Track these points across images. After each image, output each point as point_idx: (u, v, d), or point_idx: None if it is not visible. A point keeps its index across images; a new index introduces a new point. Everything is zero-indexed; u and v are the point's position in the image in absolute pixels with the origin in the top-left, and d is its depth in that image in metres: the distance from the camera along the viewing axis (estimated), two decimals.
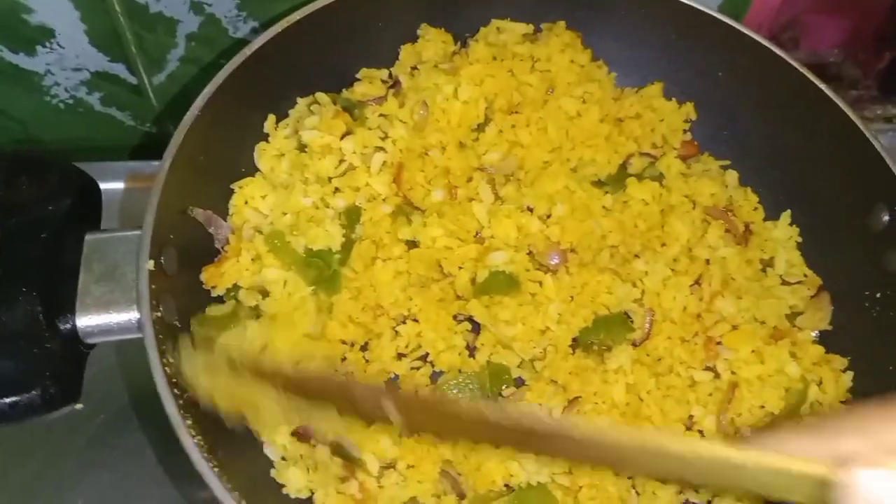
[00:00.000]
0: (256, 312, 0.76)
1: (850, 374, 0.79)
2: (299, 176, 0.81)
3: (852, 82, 1.23)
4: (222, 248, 0.79)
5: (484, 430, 0.58)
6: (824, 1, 1.15)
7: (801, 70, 0.85)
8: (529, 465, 0.73)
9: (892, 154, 0.80)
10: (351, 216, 0.80)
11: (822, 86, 0.84)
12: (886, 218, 0.79)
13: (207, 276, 0.76)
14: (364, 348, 0.78)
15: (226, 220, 0.80)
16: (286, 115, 0.86)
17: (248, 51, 0.78)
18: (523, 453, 0.71)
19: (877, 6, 1.15)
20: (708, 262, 0.83)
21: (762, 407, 0.78)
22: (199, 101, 0.74)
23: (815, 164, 0.87)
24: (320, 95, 0.85)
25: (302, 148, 0.82)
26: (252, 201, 0.80)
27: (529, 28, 0.93)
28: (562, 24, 0.92)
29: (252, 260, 0.77)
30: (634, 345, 0.79)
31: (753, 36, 0.88)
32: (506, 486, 0.74)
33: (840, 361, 0.80)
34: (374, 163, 0.82)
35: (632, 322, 0.80)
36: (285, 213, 0.80)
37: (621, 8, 0.92)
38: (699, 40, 0.91)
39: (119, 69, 0.99)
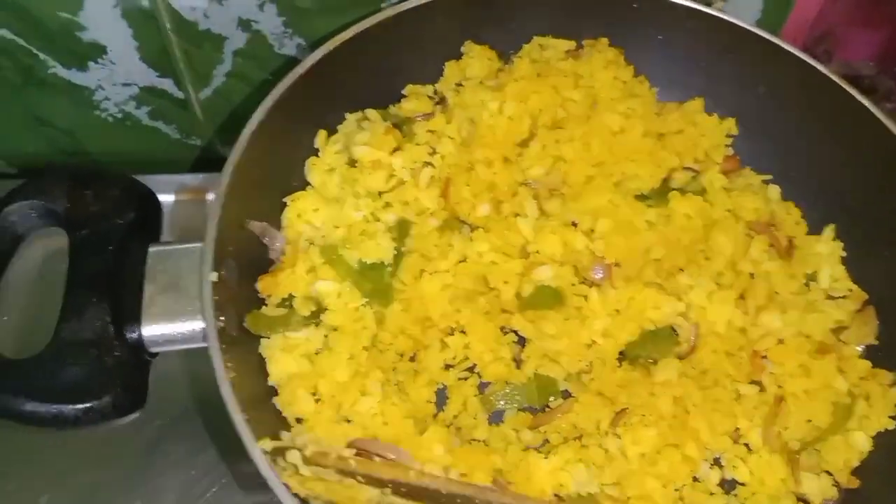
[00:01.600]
0: (310, 321, 0.77)
1: None
2: (350, 190, 0.83)
3: (886, 94, 1.23)
4: (277, 258, 0.80)
5: None
6: (857, 14, 1.16)
7: (840, 83, 0.87)
8: (580, 475, 0.74)
9: None
10: (401, 230, 0.82)
11: (862, 98, 0.85)
12: None
13: (263, 285, 0.77)
14: (412, 359, 0.80)
15: (279, 232, 0.82)
16: (335, 131, 0.88)
17: (300, 69, 0.80)
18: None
19: None
20: (752, 276, 0.83)
21: (809, 421, 0.78)
22: (256, 117, 0.76)
23: (856, 178, 0.88)
24: (370, 112, 0.87)
25: (352, 163, 0.84)
26: (304, 214, 0.82)
27: (571, 44, 0.94)
28: (604, 41, 0.93)
29: (307, 271, 0.79)
30: (680, 358, 0.80)
31: (792, 50, 0.89)
32: (556, 495, 0.74)
33: (887, 376, 0.80)
34: (423, 178, 0.83)
35: (677, 336, 0.81)
36: (337, 227, 0.81)
37: (661, 24, 0.93)
38: (738, 55, 0.92)
39: (167, 84, 1.01)
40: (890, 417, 0.78)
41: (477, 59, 0.91)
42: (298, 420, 0.72)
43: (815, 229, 0.89)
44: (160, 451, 0.83)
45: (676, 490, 0.75)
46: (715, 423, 0.77)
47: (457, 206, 0.84)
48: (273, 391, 0.74)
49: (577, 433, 0.77)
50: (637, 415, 0.76)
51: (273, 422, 0.71)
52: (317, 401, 0.73)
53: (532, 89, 0.88)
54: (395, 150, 0.83)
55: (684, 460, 0.75)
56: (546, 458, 0.74)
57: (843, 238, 0.88)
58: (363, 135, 0.84)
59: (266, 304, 0.77)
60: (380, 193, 0.83)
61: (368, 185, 0.82)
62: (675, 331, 0.82)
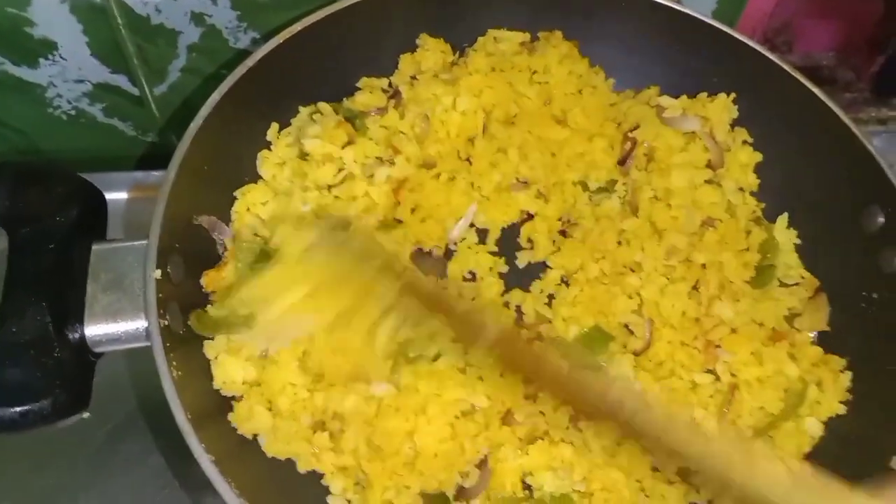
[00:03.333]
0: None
1: (849, 374, 0.80)
2: (299, 183, 0.82)
3: (846, 85, 1.24)
4: (223, 253, 0.80)
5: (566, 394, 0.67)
6: (816, 5, 1.16)
7: (794, 74, 0.87)
8: (549, 482, 0.75)
9: (885, 156, 0.81)
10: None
11: (815, 89, 0.86)
12: (881, 219, 0.81)
13: (208, 280, 0.76)
14: None
15: (228, 227, 0.81)
16: (288, 124, 0.87)
17: (250, 62, 0.80)
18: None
19: (868, 10, 1.16)
20: (704, 266, 0.84)
21: (762, 408, 0.79)
22: (203, 112, 0.76)
23: (810, 167, 0.88)
24: (323, 105, 0.86)
25: (303, 156, 0.83)
26: (253, 207, 0.81)
27: (526, 37, 0.94)
28: (559, 33, 0.93)
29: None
30: (636, 354, 0.80)
31: (746, 41, 0.89)
32: (526, 487, 0.75)
33: (838, 362, 0.80)
34: (379, 175, 0.83)
35: (611, 337, 0.81)
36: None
37: (616, 15, 0.93)
38: (694, 46, 0.92)
39: (121, 80, 0.99)
40: (841, 403, 0.79)
41: (431, 51, 0.91)
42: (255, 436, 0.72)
43: (770, 218, 0.90)
44: (112, 453, 0.82)
45: (638, 481, 0.76)
46: (673, 414, 0.77)
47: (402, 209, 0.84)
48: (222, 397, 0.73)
49: (542, 432, 0.77)
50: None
51: (221, 423, 0.70)
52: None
53: (486, 84, 0.88)
54: (347, 144, 0.83)
55: (644, 451, 0.75)
56: (515, 456, 0.74)
57: (796, 226, 0.89)
58: (314, 128, 0.83)
59: (212, 303, 0.76)
60: (329, 188, 0.82)
61: (318, 178, 0.81)
62: (629, 328, 0.82)
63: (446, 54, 0.92)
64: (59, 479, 0.81)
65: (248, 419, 0.72)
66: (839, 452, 0.77)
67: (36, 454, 0.82)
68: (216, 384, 0.72)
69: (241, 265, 0.76)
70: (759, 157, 0.91)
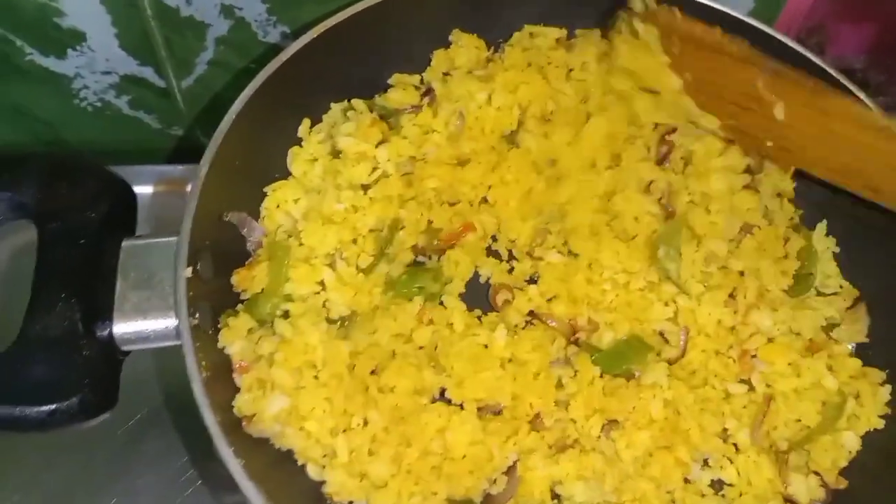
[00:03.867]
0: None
1: (888, 387, 0.78)
2: (332, 181, 0.81)
3: (878, 88, 1.21)
4: (254, 251, 0.78)
5: None
6: (849, 8, 1.15)
7: (835, 74, 0.86)
8: (579, 491, 0.73)
9: None
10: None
11: (855, 89, 0.84)
12: None
13: (239, 279, 0.75)
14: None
15: (258, 224, 0.80)
16: (320, 120, 0.86)
17: (283, 56, 0.79)
18: None
19: None
20: (742, 274, 0.82)
21: (798, 420, 0.77)
22: (236, 106, 0.75)
23: None
24: (356, 102, 0.85)
25: (335, 153, 0.82)
26: (284, 205, 0.80)
27: (563, 33, 0.92)
28: (597, 31, 0.91)
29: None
30: (670, 363, 0.78)
31: (785, 40, 0.88)
32: (555, 497, 0.74)
33: (878, 374, 0.79)
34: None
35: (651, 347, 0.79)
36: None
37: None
38: None
39: (148, 73, 0.99)
40: (879, 417, 0.77)
41: (465, 47, 0.90)
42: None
43: (808, 225, 0.88)
44: (136, 451, 0.82)
45: (668, 492, 0.74)
46: (705, 424, 0.76)
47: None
48: None
49: (572, 441, 0.76)
50: (629, 420, 0.75)
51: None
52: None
53: (522, 80, 0.87)
54: (381, 142, 0.81)
55: (676, 463, 0.74)
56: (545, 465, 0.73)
57: (834, 234, 0.87)
58: (348, 125, 0.82)
59: (241, 302, 0.75)
60: (363, 187, 0.81)
61: (351, 177, 0.80)
62: (663, 336, 0.80)
63: (480, 50, 0.90)
64: (74, 476, 0.81)
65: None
66: (876, 467, 0.76)
67: (53, 449, 0.81)
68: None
69: (274, 264, 0.75)
70: None
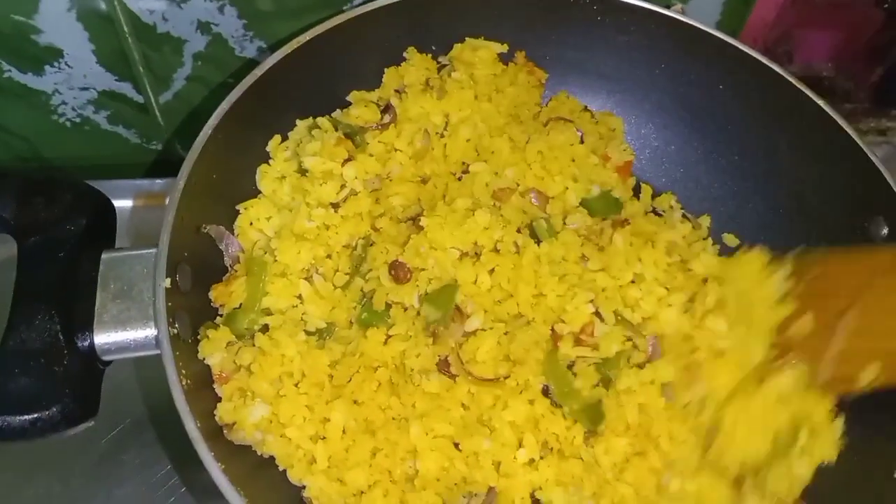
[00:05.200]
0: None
1: (842, 418, 0.77)
2: (302, 199, 0.81)
3: (845, 95, 1.25)
4: (231, 266, 0.79)
5: None
6: (816, 16, 1.17)
7: (798, 85, 0.87)
8: (558, 498, 0.74)
9: (887, 166, 0.81)
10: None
11: (819, 101, 0.86)
12: (885, 231, 0.81)
13: (216, 294, 0.76)
14: None
15: (236, 238, 0.81)
16: (286, 137, 0.87)
17: (258, 71, 0.80)
18: None
19: (867, 21, 1.17)
20: (705, 281, 0.82)
21: (748, 449, 0.77)
22: (213, 121, 0.76)
23: (812, 179, 0.88)
24: (321, 121, 0.85)
25: (303, 171, 0.83)
26: (257, 223, 0.81)
27: (504, 48, 0.94)
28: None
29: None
30: (640, 367, 0.79)
31: (750, 52, 0.90)
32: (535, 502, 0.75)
33: (830, 404, 0.77)
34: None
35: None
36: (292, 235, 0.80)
37: (621, 26, 0.93)
38: (698, 57, 0.93)
39: (126, 88, 1.00)
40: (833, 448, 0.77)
41: (416, 66, 0.91)
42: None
43: (772, 227, 0.91)
44: (117, 461, 0.82)
45: (646, 497, 0.75)
46: (674, 432, 0.76)
47: None
48: None
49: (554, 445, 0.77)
50: (608, 426, 0.76)
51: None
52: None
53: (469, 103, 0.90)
54: (347, 160, 0.82)
55: (650, 470, 0.75)
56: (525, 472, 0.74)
57: (796, 238, 0.86)
58: (313, 144, 0.82)
59: (220, 314, 0.76)
60: (334, 206, 0.81)
61: (320, 196, 0.80)
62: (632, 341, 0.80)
63: (430, 71, 0.92)
64: (54, 487, 0.81)
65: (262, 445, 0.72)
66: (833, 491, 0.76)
67: (31, 461, 0.82)
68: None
69: (251, 279, 0.76)
70: None
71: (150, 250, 0.68)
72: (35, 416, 0.61)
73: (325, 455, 0.71)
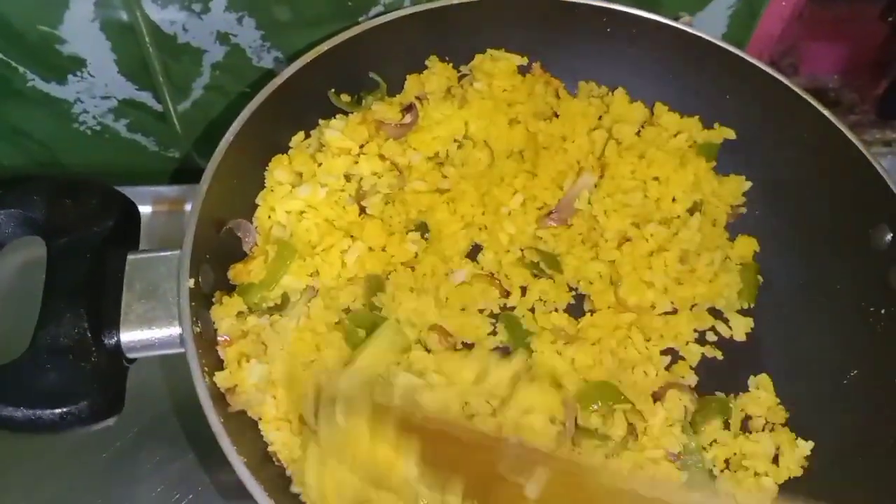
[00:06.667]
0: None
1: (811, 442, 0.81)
2: (312, 177, 0.85)
3: (850, 107, 1.26)
4: (250, 250, 0.82)
5: None
6: (821, 28, 1.19)
7: (804, 95, 0.89)
8: None
9: (892, 176, 0.83)
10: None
11: (824, 110, 0.88)
12: (889, 237, 0.82)
13: (235, 272, 0.78)
14: None
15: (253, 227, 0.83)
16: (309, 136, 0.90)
17: (279, 80, 0.82)
18: None
19: (872, 34, 1.18)
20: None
21: None
22: (234, 128, 0.78)
23: (818, 188, 0.90)
24: (352, 115, 0.89)
25: (320, 148, 0.86)
26: (274, 215, 0.83)
27: (523, 60, 0.97)
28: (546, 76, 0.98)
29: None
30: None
31: (756, 63, 0.92)
32: None
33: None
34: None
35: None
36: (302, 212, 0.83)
37: (630, 37, 0.95)
38: (704, 68, 0.95)
39: (146, 97, 1.02)
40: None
41: (438, 75, 0.94)
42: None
43: (776, 236, 0.93)
44: (137, 459, 0.83)
45: None
46: None
47: None
48: None
49: None
50: None
51: (253, 428, 0.72)
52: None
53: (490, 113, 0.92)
54: (361, 152, 0.85)
55: None
56: None
57: (801, 245, 0.91)
58: (337, 121, 0.86)
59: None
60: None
61: (331, 167, 0.84)
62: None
63: (451, 80, 0.95)
64: (77, 483, 0.82)
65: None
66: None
67: (56, 456, 0.83)
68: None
69: (270, 259, 0.79)
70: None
71: (175, 252, 0.71)
72: (64, 410, 0.63)
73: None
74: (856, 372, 0.82)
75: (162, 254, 0.72)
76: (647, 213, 0.91)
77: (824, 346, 0.86)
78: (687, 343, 0.86)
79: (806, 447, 0.80)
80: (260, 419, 0.72)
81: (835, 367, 0.84)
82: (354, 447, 0.65)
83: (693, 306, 0.88)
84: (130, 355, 0.68)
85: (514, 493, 0.63)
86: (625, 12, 0.92)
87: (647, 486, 0.64)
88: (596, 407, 0.79)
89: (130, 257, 0.71)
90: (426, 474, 0.64)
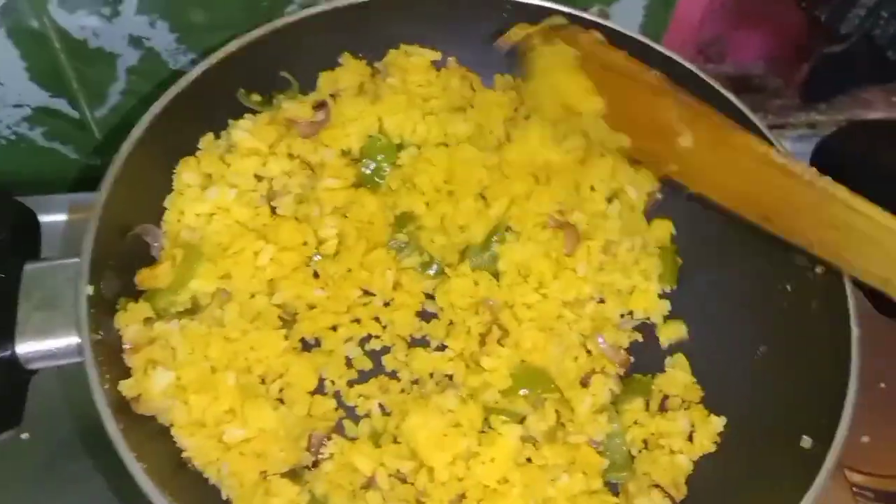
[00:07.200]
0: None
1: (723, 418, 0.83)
2: (221, 178, 0.83)
3: (776, 92, 1.29)
4: (158, 255, 0.80)
5: None
6: (745, 18, 1.21)
7: (714, 85, 0.90)
8: None
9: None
10: None
11: (729, 94, 0.89)
12: None
13: (141, 278, 0.77)
14: None
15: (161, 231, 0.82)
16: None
17: (183, 81, 0.81)
18: None
19: (793, 22, 1.20)
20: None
21: None
22: (135, 133, 0.77)
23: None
24: (259, 115, 0.88)
25: (229, 149, 0.85)
26: (184, 218, 0.82)
27: (437, 55, 0.96)
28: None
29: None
30: None
31: (671, 55, 0.92)
32: None
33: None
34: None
35: None
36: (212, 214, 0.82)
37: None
38: None
39: (61, 104, 1.00)
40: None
41: (350, 71, 0.93)
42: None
43: (688, 216, 0.93)
44: (52, 474, 0.81)
45: None
46: None
47: None
48: None
49: None
50: None
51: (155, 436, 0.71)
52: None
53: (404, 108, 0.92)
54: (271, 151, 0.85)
55: None
56: None
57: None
58: (245, 121, 0.85)
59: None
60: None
61: (240, 168, 0.83)
62: None
63: (363, 77, 0.94)
64: None
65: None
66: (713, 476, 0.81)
67: None
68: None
69: (178, 263, 0.78)
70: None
71: (74, 259, 0.69)
72: None
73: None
74: (764, 348, 0.84)
75: (61, 262, 0.70)
76: (571, 203, 0.91)
77: (735, 323, 0.87)
78: (613, 327, 0.87)
79: (719, 423, 0.82)
80: (171, 425, 0.71)
81: (745, 345, 0.85)
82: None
83: (617, 291, 0.89)
84: (30, 366, 0.67)
85: (671, 143, 0.76)
86: (528, 3, 0.92)
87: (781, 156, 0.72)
88: (525, 392, 0.80)
89: (28, 267, 0.70)
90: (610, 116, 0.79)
